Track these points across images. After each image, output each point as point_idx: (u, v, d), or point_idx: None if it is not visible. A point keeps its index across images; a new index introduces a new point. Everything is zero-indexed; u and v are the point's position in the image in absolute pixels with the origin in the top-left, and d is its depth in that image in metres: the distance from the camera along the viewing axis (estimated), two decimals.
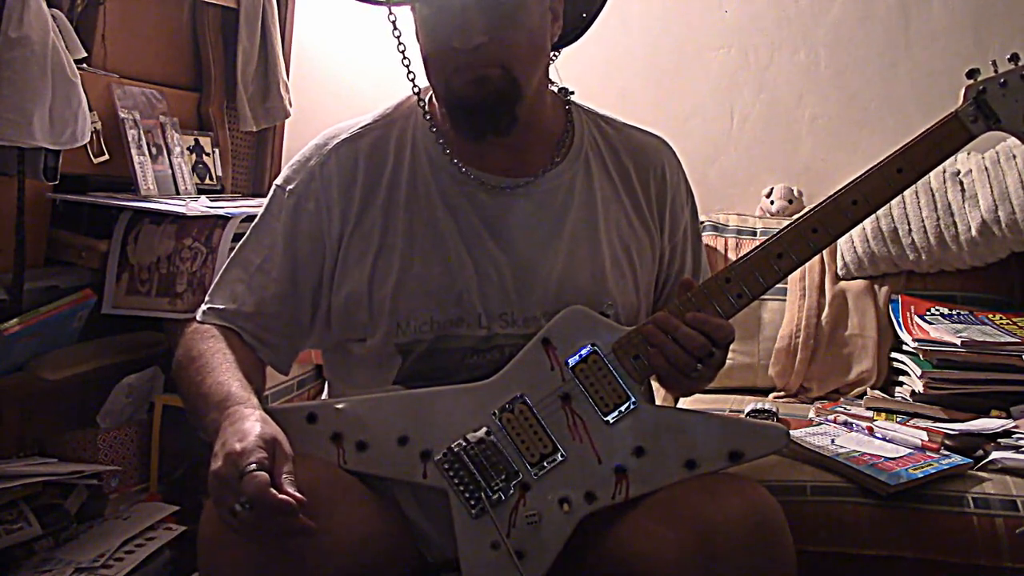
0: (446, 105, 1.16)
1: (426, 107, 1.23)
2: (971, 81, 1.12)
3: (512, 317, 1.18)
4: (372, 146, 1.22)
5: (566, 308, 1.16)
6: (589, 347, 1.14)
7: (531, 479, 1.11)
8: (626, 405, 1.12)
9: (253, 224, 1.26)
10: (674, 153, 1.33)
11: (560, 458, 1.12)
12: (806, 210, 1.15)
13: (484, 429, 1.12)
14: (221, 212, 1.82)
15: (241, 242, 1.26)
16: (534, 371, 1.14)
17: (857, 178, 1.13)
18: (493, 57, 1.10)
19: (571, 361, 1.14)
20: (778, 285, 2.03)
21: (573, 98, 1.29)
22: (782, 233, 1.14)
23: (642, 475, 1.10)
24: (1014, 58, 1.11)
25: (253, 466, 0.92)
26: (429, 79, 1.17)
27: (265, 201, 1.26)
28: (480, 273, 1.18)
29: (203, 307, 1.23)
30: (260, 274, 1.21)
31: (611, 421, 1.12)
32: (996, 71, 1.11)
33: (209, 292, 1.25)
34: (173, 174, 2.06)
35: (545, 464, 1.12)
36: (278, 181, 1.25)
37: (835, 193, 1.13)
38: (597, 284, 1.21)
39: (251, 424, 0.99)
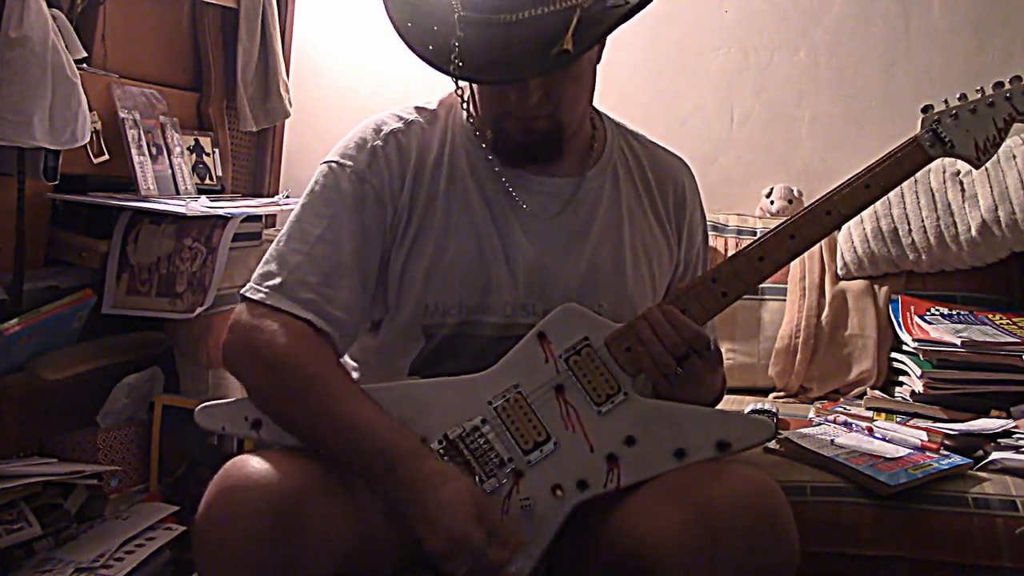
0: (494, 141, 1.23)
1: (469, 106, 1.27)
2: (926, 114, 1.24)
3: (533, 308, 1.23)
4: (419, 136, 1.26)
5: (561, 305, 1.19)
6: (583, 340, 1.17)
7: (525, 467, 1.14)
8: (618, 396, 1.15)
9: (302, 203, 1.23)
10: (694, 177, 1.40)
11: (553, 447, 1.14)
12: (786, 218, 1.24)
13: (479, 418, 1.15)
14: (221, 212, 1.82)
15: (291, 220, 1.22)
16: (529, 363, 1.17)
17: (831, 191, 1.22)
18: (544, 107, 1.18)
19: (565, 354, 1.17)
20: (778, 285, 2.07)
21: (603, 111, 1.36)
22: (764, 239, 1.22)
23: (633, 463, 1.13)
24: (963, 97, 1.24)
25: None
26: (479, 111, 1.24)
27: (314, 179, 1.24)
28: (510, 264, 1.23)
29: (259, 283, 1.18)
30: (322, 244, 1.19)
31: (603, 411, 1.15)
32: (947, 106, 1.24)
33: (260, 270, 1.20)
34: (173, 174, 2.06)
35: (538, 452, 1.14)
36: (332, 159, 1.24)
37: (811, 204, 1.23)
38: (618, 285, 1.27)
39: (460, 500, 1.02)
